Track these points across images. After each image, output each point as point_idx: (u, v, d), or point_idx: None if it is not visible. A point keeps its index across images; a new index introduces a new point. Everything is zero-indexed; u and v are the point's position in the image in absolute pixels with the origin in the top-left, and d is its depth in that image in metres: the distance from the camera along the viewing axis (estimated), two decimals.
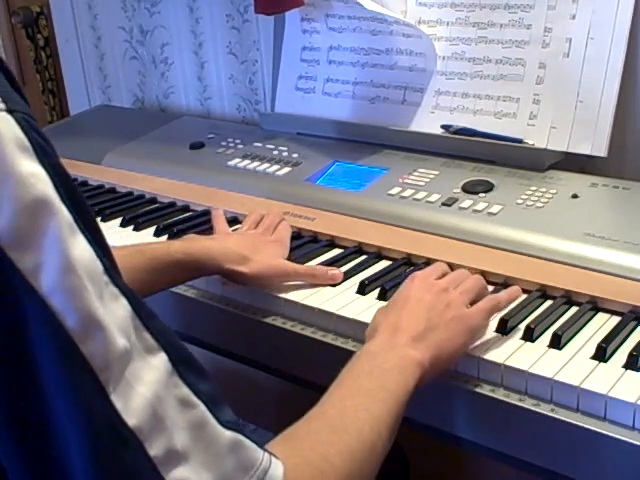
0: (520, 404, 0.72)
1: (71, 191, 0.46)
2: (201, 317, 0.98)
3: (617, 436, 0.67)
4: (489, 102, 1.16)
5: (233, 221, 1.14)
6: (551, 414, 0.71)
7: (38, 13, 1.97)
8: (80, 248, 0.45)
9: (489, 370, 0.76)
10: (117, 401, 0.45)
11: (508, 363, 0.75)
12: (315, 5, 1.32)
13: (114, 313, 0.46)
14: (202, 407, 0.49)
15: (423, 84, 1.23)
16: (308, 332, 0.88)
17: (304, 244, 1.06)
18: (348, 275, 0.96)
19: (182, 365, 0.49)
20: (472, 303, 0.79)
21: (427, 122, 1.22)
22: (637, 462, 0.66)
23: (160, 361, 0.48)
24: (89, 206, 0.49)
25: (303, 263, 1.00)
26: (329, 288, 0.93)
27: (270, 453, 0.52)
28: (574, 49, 1.09)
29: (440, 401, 0.78)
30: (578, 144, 1.08)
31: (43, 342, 0.44)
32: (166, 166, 1.33)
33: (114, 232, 1.16)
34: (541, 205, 1.00)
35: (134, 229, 1.16)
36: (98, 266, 0.46)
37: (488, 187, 1.06)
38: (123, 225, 1.18)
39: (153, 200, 1.28)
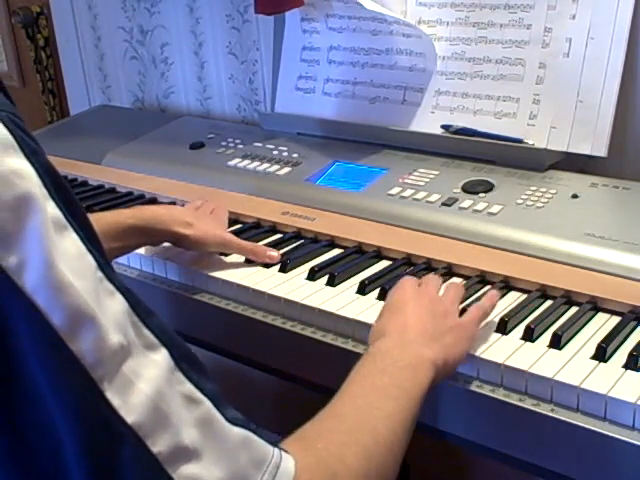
0: (520, 404, 0.72)
1: (61, 189, 0.46)
2: (201, 317, 0.98)
3: (617, 436, 0.67)
4: (489, 102, 1.16)
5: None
6: (551, 414, 0.70)
7: (38, 13, 1.97)
8: (68, 244, 0.45)
9: (489, 370, 0.76)
10: (113, 398, 0.44)
11: (508, 363, 0.75)
12: (315, 5, 1.32)
13: (108, 309, 0.46)
14: (208, 403, 0.49)
15: (423, 84, 1.23)
16: (308, 332, 0.88)
17: (304, 244, 1.06)
18: (348, 275, 0.96)
19: (184, 362, 0.49)
20: None
21: (427, 122, 1.22)
22: (637, 462, 0.66)
23: (161, 358, 0.48)
24: (81, 204, 0.49)
25: (303, 263, 1.00)
26: (329, 288, 0.93)
27: (280, 448, 0.52)
28: (574, 49, 1.08)
29: (440, 401, 0.78)
30: (578, 144, 1.08)
31: (30, 341, 0.43)
32: (166, 166, 1.33)
33: None
34: (541, 205, 1.00)
35: None
36: (90, 262, 0.46)
37: (488, 187, 1.06)
38: None
39: (153, 200, 1.28)
